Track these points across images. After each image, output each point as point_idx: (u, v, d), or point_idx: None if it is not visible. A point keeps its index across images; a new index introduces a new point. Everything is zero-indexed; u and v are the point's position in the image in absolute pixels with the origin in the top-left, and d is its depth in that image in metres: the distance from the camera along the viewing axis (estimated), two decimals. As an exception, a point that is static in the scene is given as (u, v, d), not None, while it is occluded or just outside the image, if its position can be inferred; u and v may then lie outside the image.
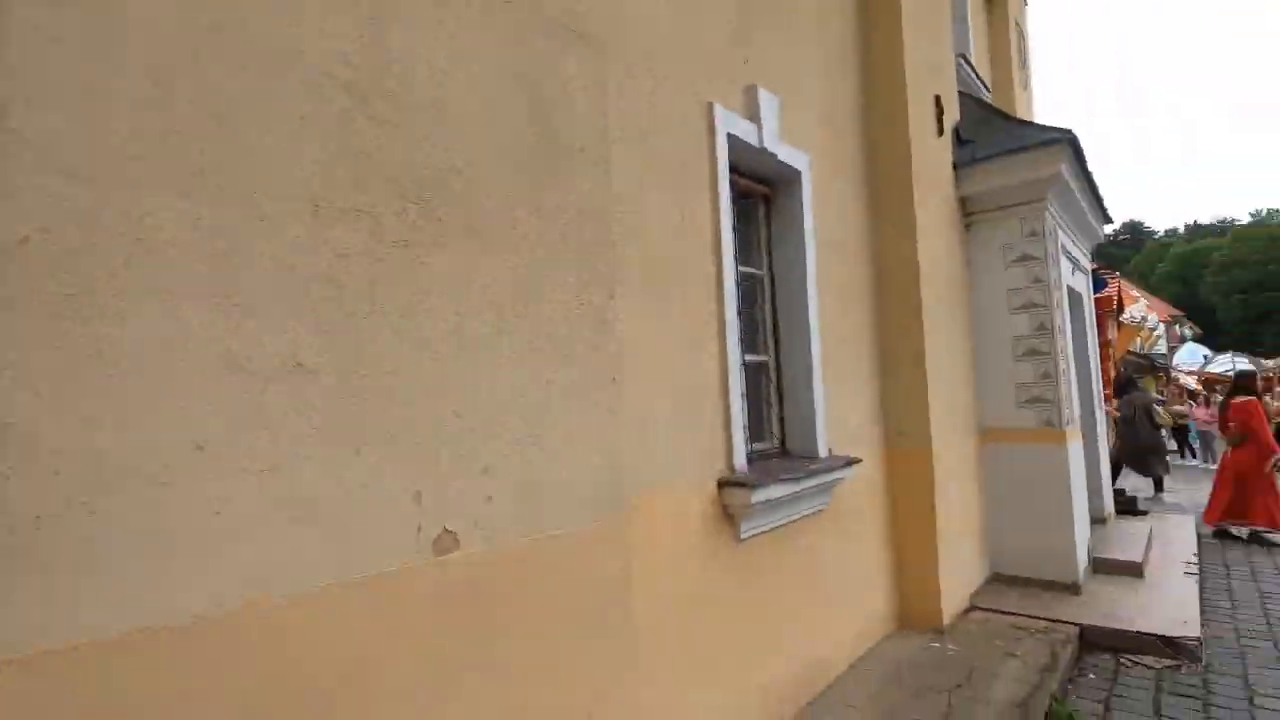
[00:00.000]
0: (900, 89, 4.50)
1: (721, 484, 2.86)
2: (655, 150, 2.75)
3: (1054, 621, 4.40)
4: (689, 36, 3.01)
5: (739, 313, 3.36)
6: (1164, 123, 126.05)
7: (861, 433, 4.22)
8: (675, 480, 2.66)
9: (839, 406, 3.95)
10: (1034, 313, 5.12)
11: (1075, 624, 4.35)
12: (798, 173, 3.71)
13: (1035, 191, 5.09)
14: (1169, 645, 4.07)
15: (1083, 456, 5.73)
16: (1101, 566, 5.41)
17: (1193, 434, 16.34)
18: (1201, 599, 4.98)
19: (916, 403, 4.39)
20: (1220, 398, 16.67)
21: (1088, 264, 7.28)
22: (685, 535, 2.70)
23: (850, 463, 3.65)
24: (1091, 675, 3.87)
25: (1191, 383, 28.67)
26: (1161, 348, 29.38)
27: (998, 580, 5.18)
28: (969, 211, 5.40)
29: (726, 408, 2.96)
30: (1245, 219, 66.59)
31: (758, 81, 3.42)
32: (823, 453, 3.65)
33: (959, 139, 5.44)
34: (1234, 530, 7.28)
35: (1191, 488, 11.49)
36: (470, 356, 1.63)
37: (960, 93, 5.89)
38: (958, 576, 4.59)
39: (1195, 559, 5.81)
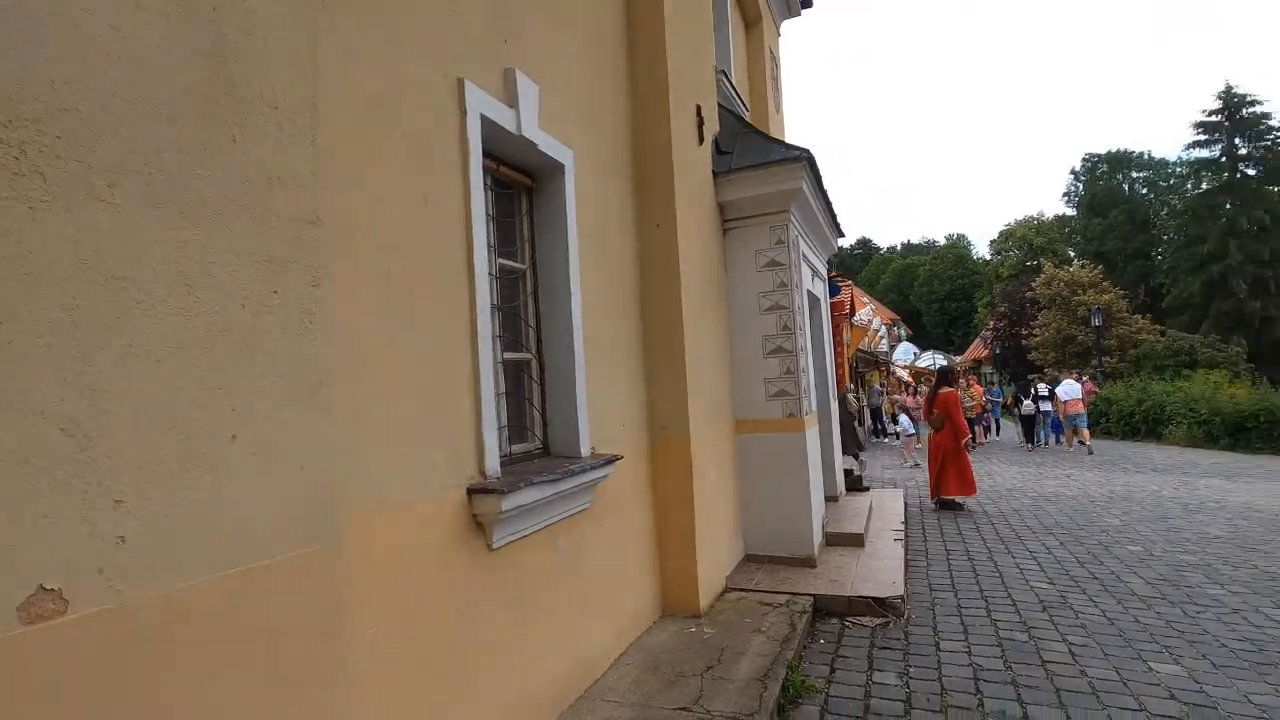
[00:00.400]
0: (663, 93, 4.64)
1: (471, 491, 2.66)
2: (391, 124, 2.46)
3: (794, 594, 4.86)
4: (440, 3, 2.75)
5: (496, 307, 3.17)
6: (896, 154, 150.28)
7: (626, 429, 4.28)
8: (413, 491, 2.41)
9: (604, 404, 3.95)
10: (780, 314, 5.63)
11: (810, 594, 4.85)
12: (561, 166, 3.63)
13: (781, 202, 5.59)
14: (880, 605, 4.70)
15: (819, 443, 6.45)
16: (834, 540, 6.14)
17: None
18: (906, 560, 5.86)
19: (677, 398, 4.56)
20: (925, 388, 20.29)
21: (825, 271, 8.25)
22: (426, 551, 2.45)
23: (611, 461, 3.65)
24: (822, 640, 4.32)
25: (904, 375, 34.23)
26: (884, 346, 34.84)
27: (750, 560, 5.61)
28: (728, 218, 5.78)
29: (478, 410, 2.76)
30: (943, 241, 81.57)
31: (518, 66, 3.26)
32: (585, 452, 3.61)
33: (719, 149, 5.78)
34: (942, 499, 8.74)
35: (900, 463, 13.73)
36: (93, 354, 1.24)
37: (721, 107, 6.29)
38: (715, 561, 4.87)
39: (902, 526, 6.85)
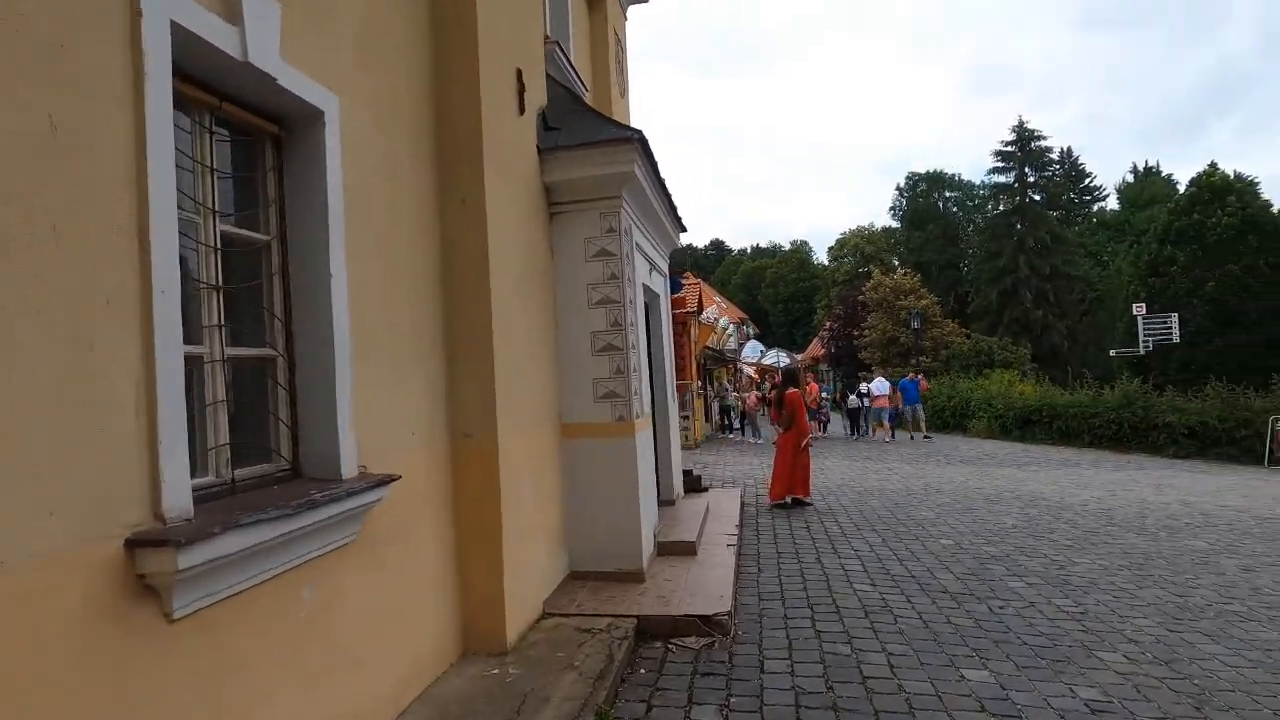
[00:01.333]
0: (472, 46, 3.98)
1: (132, 544, 1.89)
2: (-20, 2, 1.63)
3: (616, 617, 4.43)
4: None
5: (214, 288, 2.40)
6: (750, 162, 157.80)
7: (418, 439, 3.60)
8: (12, 551, 1.61)
9: (384, 410, 3.25)
10: (610, 309, 5.17)
11: (634, 616, 4.43)
12: (319, 114, 2.87)
13: (612, 187, 5.13)
14: (707, 624, 4.39)
15: (651, 445, 6.10)
16: (666, 549, 5.81)
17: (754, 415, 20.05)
18: (737, 568, 5.66)
19: (484, 401, 3.95)
20: (767, 385, 21.16)
21: (665, 267, 7.97)
22: (45, 637, 1.67)
23: (384, 482, 2.97)
24: (643, 670, 3.91)
25: (750, 371, 35.70)
26: (732, 344, 36.17)
27: (575, 579, 5.12)
28: (555, 201, 5.23)
29: (152, 429, 1.98)
30: (787, 245, 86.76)
31: (247, -29, 2.47)
32: (349, 472, 2.90)
33: (546, 124, 5.21)
34: (792, 499, 8.78)
35: (742, 460, 13.99)
36: None
37: (555, 80, 5.72)
38: (529, 585, 4.32)
39: (736, 530, 6.69)
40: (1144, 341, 24.74)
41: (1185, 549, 6.73)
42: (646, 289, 6.50)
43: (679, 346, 15.60)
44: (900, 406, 19.13)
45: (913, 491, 9.93)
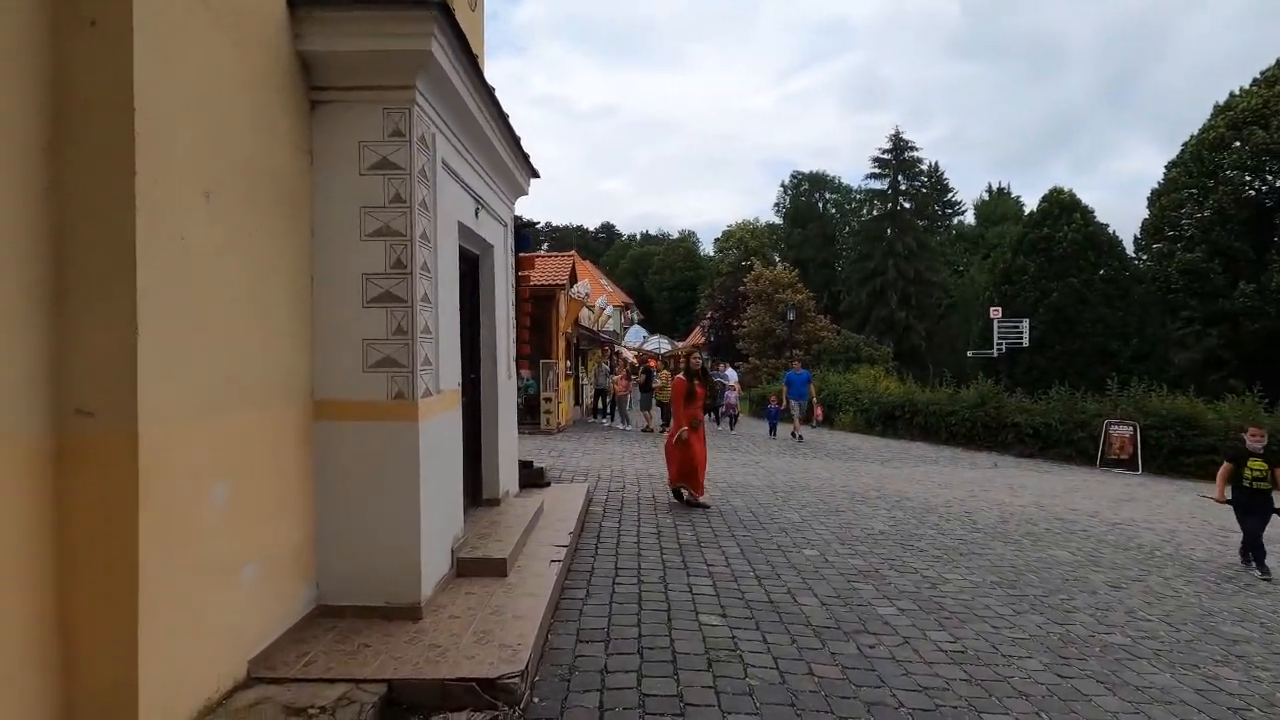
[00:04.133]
0: None
1: None
2: None
3: (357, 684, 3.04)
4: None
5: None
6: (645, 151, 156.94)
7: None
8: None
9: None
10: (393, 244, 3.72)
11: (383, 680, 3.07)
12: None
13: (401, 71, 3.66)
14: (488, 689, 3.10)
15: (458, 432, 4.72)
16: (468, 568, 4.46)
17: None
18: (557, 593, 4.42)
19: (115, 358, 2.41)
20: (650, 368, 20.15)
21: (509, 215, 6.55)
22: None
23: None
24: (369, 778, 2.55)
25: (631, 356, 34.85)
26: (612, 326, 35.17)
27: (326, 615, 3.67)
28: (319, 85, 3.68)
29: None
30: (675, 234, 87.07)
31: None
32: None
33: (311, -28, 3.63)
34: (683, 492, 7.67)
35: (602, 448, 12.85)
36: None
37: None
38: (210, 649, 2.83)
39: (569, 539, 5.46)
40: (998, 344, 26.19)
41: (1051, 561, 6.27)
42: (468, 232, 5.07)
43: (531, 316, 13.97)
44: (785, 403, 16.92)
45: (778, 489, 9.19)
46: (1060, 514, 8.71)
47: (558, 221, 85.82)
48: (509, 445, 6.44)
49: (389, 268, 3.71)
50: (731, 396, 19.02)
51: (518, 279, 7.34)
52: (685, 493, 7.67)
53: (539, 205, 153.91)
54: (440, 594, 4.06)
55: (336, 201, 3.72)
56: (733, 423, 18.95)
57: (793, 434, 16.51)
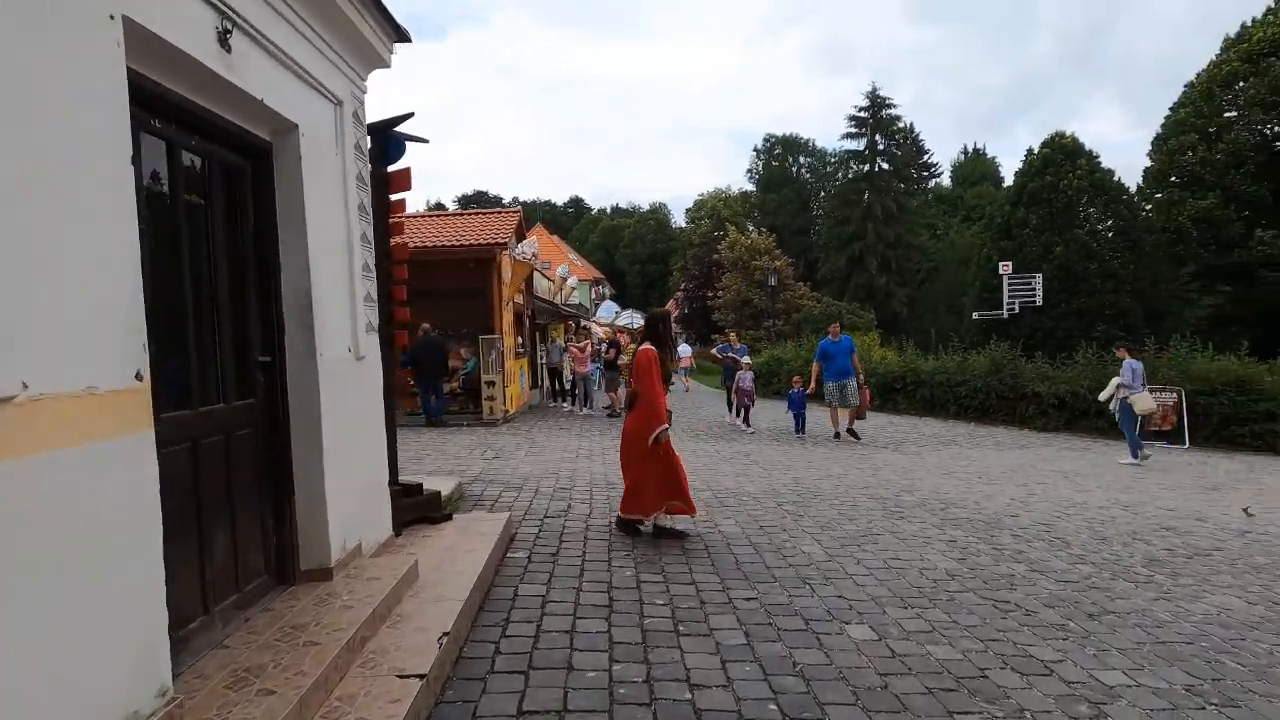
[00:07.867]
0: None
1: None
2: None
3: None
4: None
5: None
6: (614, 122, 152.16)
7: None
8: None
9: None
10: None
11: None
12: None
13: None
14: None
15: (134, 488, 2.21)
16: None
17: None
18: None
19: None
20: (618, 341, 16.95)
21: (349, 91, 4.00)
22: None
23: None
24: None
25: (600, 332, 32.33)
26: (579, 299, 32.59)
27: None
28: None
29: None
30: (646, 207, 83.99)
31: None
32: None
33: None
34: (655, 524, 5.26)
35: (554, 441, 10.36)
36: None
37: None
38: None
39: (444, 637, 3.01)
40: (1009, 304, 23.98)
41: (1231, 622, 4.03)
42: (196, 74, 2.53)
43: (470, 282, 11.10)
44: (815, 385, 11.94)
45: (781, 496, 6.86)
46: (1157, 517, 6.52)
47: (525, 196, 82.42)
48: (365, 468, 3.96)
49: None
50: (748, 380, 12.96)
51: (387, 204, 4.81)
52: (668, 520, 5.29)
53: (504, 182, 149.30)
54: None
55: None
56: (748, 417, 12.97)
57: (836, 433, 11.42)
